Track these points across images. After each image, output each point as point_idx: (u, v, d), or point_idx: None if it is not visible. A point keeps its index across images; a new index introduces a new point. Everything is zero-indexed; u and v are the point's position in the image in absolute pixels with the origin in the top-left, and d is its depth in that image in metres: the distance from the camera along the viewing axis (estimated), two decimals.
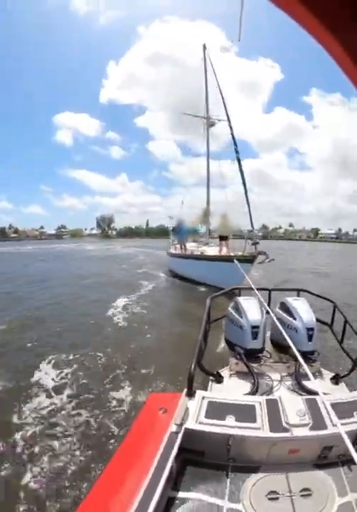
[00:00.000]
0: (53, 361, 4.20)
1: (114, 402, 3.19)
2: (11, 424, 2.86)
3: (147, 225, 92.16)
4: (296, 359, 2.01)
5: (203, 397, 1.44)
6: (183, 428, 1.25)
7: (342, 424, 1.08)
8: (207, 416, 1.32)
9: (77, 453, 2.45)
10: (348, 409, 1.32)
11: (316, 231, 79.38)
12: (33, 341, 5.01)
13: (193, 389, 1.49)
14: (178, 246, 12.52)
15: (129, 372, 3.86)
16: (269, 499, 1.12)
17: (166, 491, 1.07)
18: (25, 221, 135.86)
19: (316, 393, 1.61)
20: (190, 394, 1.46)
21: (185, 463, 1.27)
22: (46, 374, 3.87)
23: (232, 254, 8.69)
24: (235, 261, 7.07)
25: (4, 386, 3.58)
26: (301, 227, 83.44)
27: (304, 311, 2.25)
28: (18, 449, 2.49)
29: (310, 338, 2.14)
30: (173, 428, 1.25)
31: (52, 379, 3.74)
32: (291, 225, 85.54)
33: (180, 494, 1.14)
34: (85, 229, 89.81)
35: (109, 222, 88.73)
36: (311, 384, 1.81)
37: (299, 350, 2.08)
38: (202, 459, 1.30)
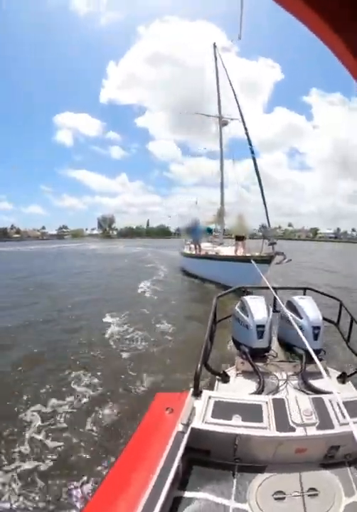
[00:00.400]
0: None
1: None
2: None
3: (148, 225, 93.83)
4: (302, 358, 2.01)
5: (210, 397, 1.44)
6: (189, 428, 1.25)
7: (349, 423, 1.08)
8: (213, 415, 1.32)
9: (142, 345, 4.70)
10: (356, 408, 1.31)
11: (315, 231, 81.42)
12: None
13: (200, 388, 1.48)
14: (193, 246, 12.52)
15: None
16: (276, 499, 1.12)
17: (172, 491, 1.07)
18: (26, 221, 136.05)
19: (322, 392, 1.61)
20: (197, 393, 1.46)
21: (191, 462, 1.27)
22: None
23: (248, 254, 8.57)
24: (252, 261, 6.98)
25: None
26: (301, 227, 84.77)
27: (310, 309, 2.23)
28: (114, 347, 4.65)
29: (316, 336, 2.12)
30: (180, 427, 1.25)
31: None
32: (290, 225, 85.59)
33: (187, 494, 1.13)
34: (86, 229, 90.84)
35: (110, 222, 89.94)
36: (317, 383, 1.80)
37: (305, 349, 2.07)
38: (208, 458, 1.30)
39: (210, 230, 14.39)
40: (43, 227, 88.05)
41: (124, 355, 4.26)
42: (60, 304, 7.44)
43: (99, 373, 3.62)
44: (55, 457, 2.30)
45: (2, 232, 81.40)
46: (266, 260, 7.90)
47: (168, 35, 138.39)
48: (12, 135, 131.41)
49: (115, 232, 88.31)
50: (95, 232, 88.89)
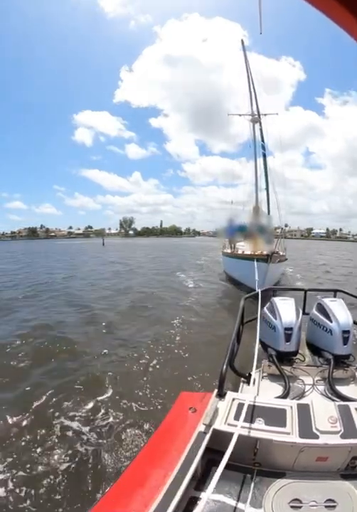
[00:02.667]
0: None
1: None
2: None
3: (161, 225, 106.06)
4: (330, 363, 1.94)
5: (233, 399, 1.42)
6: (211, 428, 1.25)
7: None
8: (236, 418, 1.30)
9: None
10: None
11: (309, 231, 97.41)
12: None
13: (224, 390, 1.47)
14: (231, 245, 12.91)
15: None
16: (292, 507, 1.08)
17: (189, 490, 1.07)
18: (43, 221, 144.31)
19: (350, 399, 1.54)
20: (221, 394, 1.45)
21: (210, 463, 1.26)
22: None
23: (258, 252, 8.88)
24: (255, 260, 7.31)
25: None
26: (296, 227, 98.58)
27: (340, 312, 2.13)
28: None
29: (346, 341, 2.03)
30: (202, 428, 1.24)
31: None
32: (286, 225, 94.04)
33: (203, 495, 1.12)
34: (109, 229, 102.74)
35: (130, 223, 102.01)
36: (345, 389, 1.74)
37: (333, 354, 1.99)
38: (228, 461, 1.30)
39: (242, 229, 14.31)
40: (70, 227, 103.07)
41: None
42: None
43: None
44: None
45: (31, 231, 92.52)
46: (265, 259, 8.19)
47: (185, 36, 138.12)
48: (31, 133, 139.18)
49: (132, 232, 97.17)
50: (113, 231, 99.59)
